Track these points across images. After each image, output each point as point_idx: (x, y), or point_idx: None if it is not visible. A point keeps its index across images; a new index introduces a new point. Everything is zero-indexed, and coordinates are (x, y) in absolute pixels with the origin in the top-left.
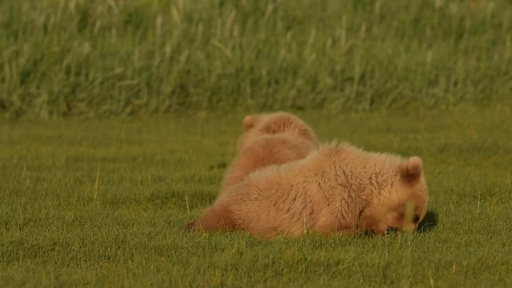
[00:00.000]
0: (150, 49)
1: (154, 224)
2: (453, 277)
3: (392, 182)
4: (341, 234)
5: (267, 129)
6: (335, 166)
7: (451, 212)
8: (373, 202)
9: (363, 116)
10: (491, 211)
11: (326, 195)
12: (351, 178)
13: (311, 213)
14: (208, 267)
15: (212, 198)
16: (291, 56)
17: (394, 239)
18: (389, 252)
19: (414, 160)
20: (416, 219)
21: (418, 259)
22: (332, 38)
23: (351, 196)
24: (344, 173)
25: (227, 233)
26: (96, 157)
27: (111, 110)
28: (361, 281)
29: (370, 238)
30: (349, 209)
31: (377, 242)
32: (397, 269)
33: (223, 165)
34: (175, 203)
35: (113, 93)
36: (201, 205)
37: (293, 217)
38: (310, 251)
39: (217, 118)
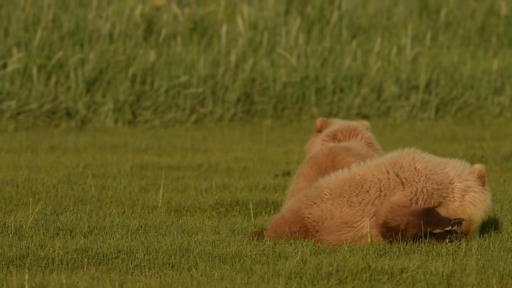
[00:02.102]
0: (215, 57)
1: (218, 232)
2: None
3: (476, 188)
4: (405, 219)
5: (334, 137)
6: (414, 162)
7: None
8: (449, 205)
9: (428, 124)
10: None
11: (402, 181)
12: (431, 173)
13: (384, 198)
14: (272, 275)
15: (276, 206)
16: (356, 64)
17: (459, 248)
18: (453, 260)
19: (479, 168)
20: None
21: (483, 267)
22: (397, 46)
23: (428, 189)
24: (424, 168)
25: (291, 241)
26: (161, 165)
27: (176, 118)
28: None
29: (433, 246)
30: (423, 198)
31: (441, 250)
32: (461, 278)
33: (287, 174)
34: (239, 211)
35: (178, 101)
36: (265, 213)
37: (366, 207)
38: (374, 259)
39: (282, 127)
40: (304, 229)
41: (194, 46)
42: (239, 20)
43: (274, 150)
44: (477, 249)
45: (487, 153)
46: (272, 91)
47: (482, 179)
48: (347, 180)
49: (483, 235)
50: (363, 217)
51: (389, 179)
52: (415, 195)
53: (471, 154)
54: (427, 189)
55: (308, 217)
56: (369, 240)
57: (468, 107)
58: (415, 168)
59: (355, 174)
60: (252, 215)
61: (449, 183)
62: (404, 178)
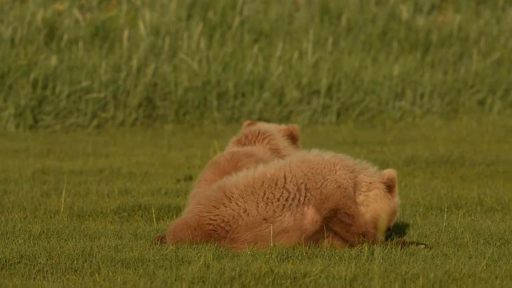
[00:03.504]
0: (117, 62)
1: (121, 237)
2: None
3: (379, 190)
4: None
5: (238, 142)
6: (322, 156)
7: (417, 224)
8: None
9: (330, 128)
10: (457, 223)
11: (320, 173)
12: (340, 164)
13: (306, 191)
14: (175, 280)
15: (179, 211)
16: (258, 69)
17: (361, 252)
18: (356, 264)
19: (390, 172)
20: (388, 229)
21: (385, 271)
22: (299, 51)
23: (351, 178)
24: (333, 158)
25: (194, 245)
26: (63, 170)
27: (77, 123)
28: None
29: (336, 250)
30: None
31: (344, 254)
32: (364, 282)
33: (189, 178)
34: (141, 216)
35: (80, 106)
36: (167, 218)
37: (286, 201)
38: (277, 263)
39: (183, 131)
40: (207, 233)
41: (96, 51)
42: (141, 25)
43: (176, 154)
44: (380, 253)
45: (388, 158)
46: (173, 95)
47: (391, 183)
48: (258, 179)
49: (386, 239)
50: (283, 212)
51: (303, 172)
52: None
53: (372, 158)
54: (345, 180)
55: (214, 219)
56: (271, 244)
57: (369, 112)
58: (324, 160)
59: (264, 172)
60: (154, 219)
61: (356, 177)
62: (319, 171)
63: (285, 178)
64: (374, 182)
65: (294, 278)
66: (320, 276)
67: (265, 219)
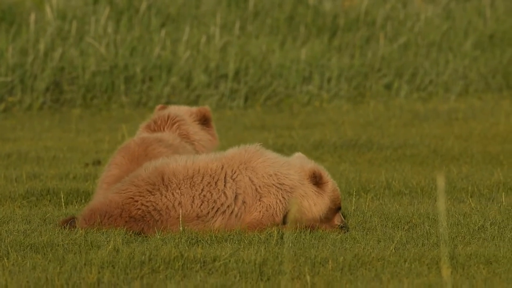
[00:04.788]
0: (24, 46)
1: (30, 222)
2: (329, 274)
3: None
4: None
5: (148, 127)
6: (264, 164)
7: None
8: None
9: (238, 113)
10: (366, 207)
11: (258, 190)
12: (283, 179)
13: (243, 204)
14: (85, 264)
15: (87, 195)
16: (165, 53)
17: (270, 236)
18: (265, 248)
19: (310, 168)
20: (338, 209)
21: (295, 255)
22: (206, 35)
23: (284, 198)
24: (274, 174)
25: (103, 230)
26: None
27: None
28: (238, 277)
29: (245, 234)
30: (281, 209)
31: (253, 238)
32: (274, 266)
33: (98, 163)
34: (50, 201)
35: None
36: (76, 202)
37: (221, 206)
38: (187, 248)
39: (91, 115)
40: (132, 217)
41: (3, 35)
42: (48, 9)
43: (84, 139)
44: (289, 237)
45: (296, 142)
46: (81, 80)
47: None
48: (198, 172)
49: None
50: (216, 213)
51: (245, 183)
52: (274, 208)
53: (280, 142)
54: (284, 198)
55: (146, 205)
56: (181, 229)
57: (277, 96)
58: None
59: (207, 166)
60: (63, 204)
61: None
62: (260, 187)
63: (225, 181)
64: None
65: (204, 262)
66: (229, 260)
67: (198, 216)
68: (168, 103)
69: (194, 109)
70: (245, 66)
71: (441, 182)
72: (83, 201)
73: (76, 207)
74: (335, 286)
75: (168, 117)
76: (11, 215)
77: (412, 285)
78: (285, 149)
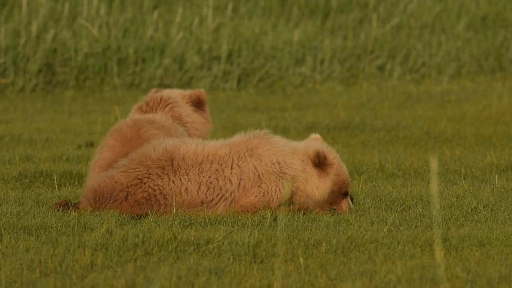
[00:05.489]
0: (16, 27)
1: (23, 204)
2: (323, 256)
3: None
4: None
5: (140, 109)
6: (269, 152)
7: None
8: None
9: (231, 95)
10: (359, 189)
11: (260, 177)
12: (286, 168)
13: (243, 189)
14: (78, 246)
15: (80, 177)
16: (158, 35)
17: (264, 218)
18: (259, 231)
19: (314, 149)
20: (345, 194)
21: (288, 238)
22: (199, 17)
23: (284, 186)
24: (278, 162)
25: (96, 212)
26: None
27: None
28: (231, 260)
29: (238, 216)
30: (279, 197)
31: (247, 221)
32: (267, 248)
33: (91, 144)
34: (43, 183)
35: None
36: (69, 184)
37: (226, 193)
38: (180, 230)
39: (84, 97)
40: (138, 202)
41: None
42: None
43: (77, 120)
44: (282, 219)
45: (289, 123)
46: (74, 61)
47: (319, 158)
48: (207, 159)
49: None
50: (220, 200)
51: (249, 169)
52: (271, 195)
53: (273, 124)
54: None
55: (153, 189)
56: (174, 211)
57: (269, 78)
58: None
59: (216, 153)
60: (56, 186)
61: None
62: (262, 173)
63: (231, 167)
64: None
65: (197, 244)
66: (223, 243)
67: (202, 202)
68: (160, 85)
69: (188, 91)
70: (238, 48)
71: (434, 164)
72: (76, 183)
73: (69, 189)
74: (328, 268)
75: (161, 99)
76: (4, 197)
77: (405, 267)
78: (278, 131)
